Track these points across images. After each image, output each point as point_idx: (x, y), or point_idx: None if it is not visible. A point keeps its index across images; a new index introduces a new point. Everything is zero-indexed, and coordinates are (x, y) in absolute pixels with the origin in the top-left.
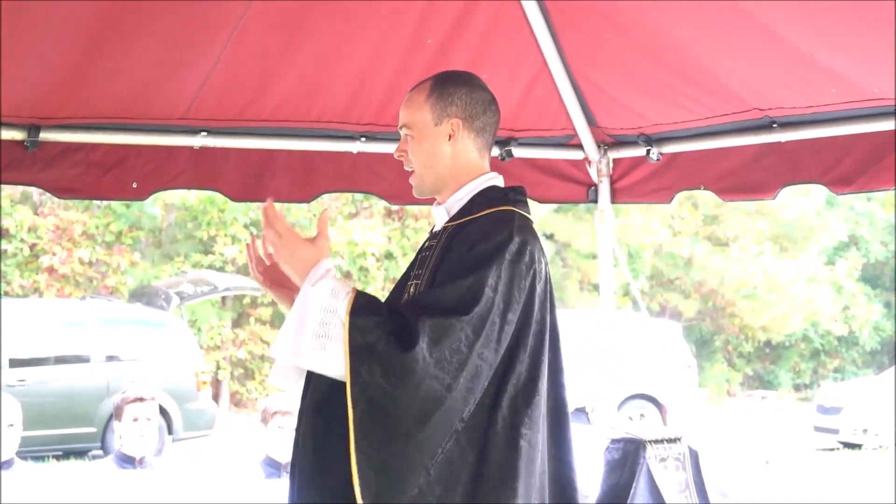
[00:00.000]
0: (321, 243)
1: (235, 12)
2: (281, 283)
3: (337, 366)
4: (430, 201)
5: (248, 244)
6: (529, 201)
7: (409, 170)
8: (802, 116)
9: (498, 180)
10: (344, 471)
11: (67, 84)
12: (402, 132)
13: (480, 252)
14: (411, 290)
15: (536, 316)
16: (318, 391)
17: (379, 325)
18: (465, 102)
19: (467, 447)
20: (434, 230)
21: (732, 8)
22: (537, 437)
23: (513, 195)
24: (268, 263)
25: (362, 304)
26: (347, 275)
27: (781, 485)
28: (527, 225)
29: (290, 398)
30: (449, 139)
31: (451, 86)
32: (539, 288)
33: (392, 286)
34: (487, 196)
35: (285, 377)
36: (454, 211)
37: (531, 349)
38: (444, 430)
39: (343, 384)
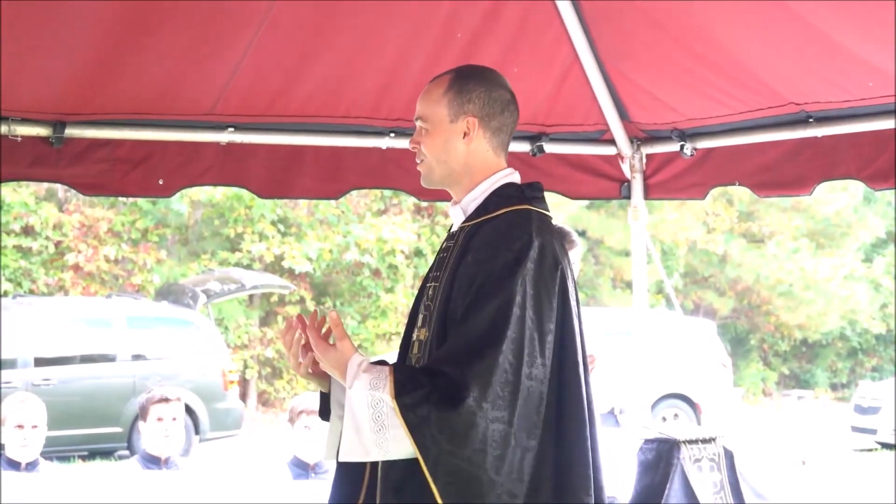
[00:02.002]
0: (342, 345)
1: (262, 6)
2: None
3: (405, 449)
4: (438, 196)
5: (288, 332)
6: (559, 196)
7: (419, 160)
8: (839, 111)
9: (514, 177)
10: None
11: (93, 79)
12: (418, 124)
13: (502, 265)
14: (430, 292)
15: (575, 317)
16: (392, 476)
17: (425, 396)
18: (483, 101)
19: (548, 469)
20: (451, 230)
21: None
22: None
23: (529, 192)
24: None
25: (403, 383)
26: (376, 272)
27: (818, 486)
28: (545, 223)
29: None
30: (464, 137)
31: (471, 83)
32: (569, 287)
33: (421, 284)
34: (503, 194)
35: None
36: (470, 210)
37: (580, 350)
38: (523, 466)
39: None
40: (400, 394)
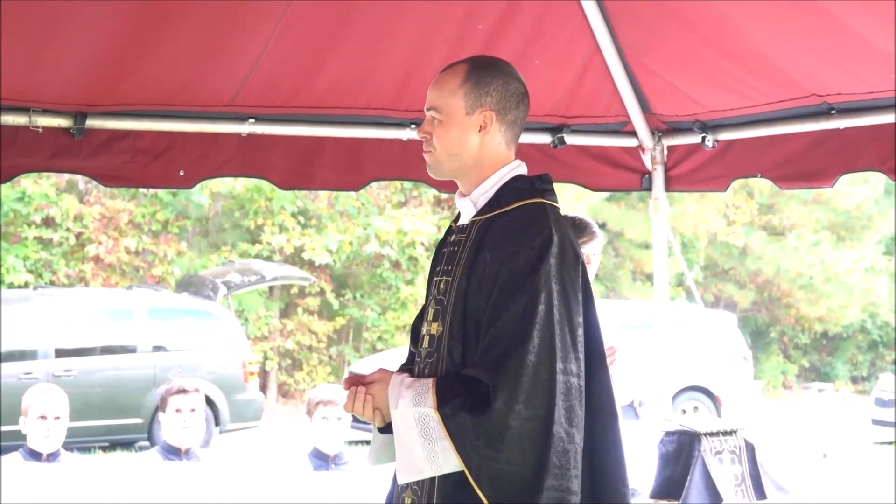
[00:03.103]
0: (376, 376)
1: None
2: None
3: (452, 460)
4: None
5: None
6: (580, 188)
7: (428, 150)
8: (861, 102)
9: (522, 168)
10: None
11: (114, 71)
12: (429, 114)
13: (524, 264)
14: (441, 286)
15: (594, 310)
16: (445, 487)
17: (461, 404)
18: (500, 94)
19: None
20: (460, 223)
21: None
22: None
23: (540, 185)
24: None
25: (444, 393)
26: (396, 264)
27: (839, 479)
28: (559, 217)
29: (333, 388)
30: (479, 130)
31: (488, 75)
32: (589, 279)
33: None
34: (514, 187)
35: (382, 456)
36: (481, 204)
37: (602, 343)
38: (568, 459)
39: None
40: (441, 404)
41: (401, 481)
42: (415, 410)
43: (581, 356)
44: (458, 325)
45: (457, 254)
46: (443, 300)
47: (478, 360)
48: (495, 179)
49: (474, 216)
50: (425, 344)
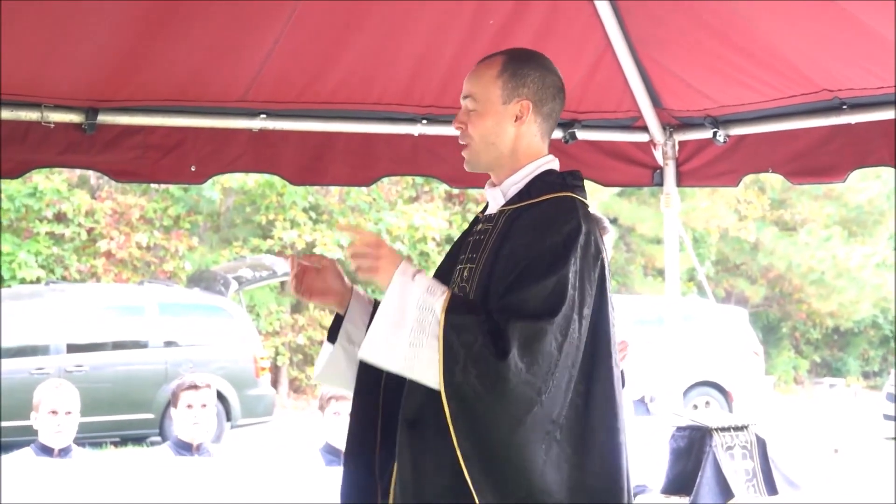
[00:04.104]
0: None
1: None
2: (322, 292)
3: (430, 365)
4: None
5: (292, 258)
6: (591, 184)
7: (464, 143)
8: (873, 97)
9: (555, 164)
10: (442, 483)
11: (125, 66)
12: (466, 103)
13: (552, 246)
14: (465, 273)
15: (610, 306)
16: (411, 407)
17: (476, 324)
18: (537, 85)
19: (568, 449)
20: (487, 213)
21: None
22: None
23: (570, 180)
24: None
25: (459, 303)
26: (408, 259)
27: (850, 474)
28: (587, 212)
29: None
30: (515, 120)
31: (526, 66)
32: (607, 276)
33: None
34: (545, 180)
35: (334, 375)
36: (511, 194)
37: (612, 341)
38: (538, 433)
39: (432, 394)
40: (452, 311)
41: (362, 355)
42: (423, 297)
43: (581, 346)
44: None
45: (482, 242)
46: (465, 287)
47: (496, 308)
48: (528, 171)
49: (503, 206)
50: None
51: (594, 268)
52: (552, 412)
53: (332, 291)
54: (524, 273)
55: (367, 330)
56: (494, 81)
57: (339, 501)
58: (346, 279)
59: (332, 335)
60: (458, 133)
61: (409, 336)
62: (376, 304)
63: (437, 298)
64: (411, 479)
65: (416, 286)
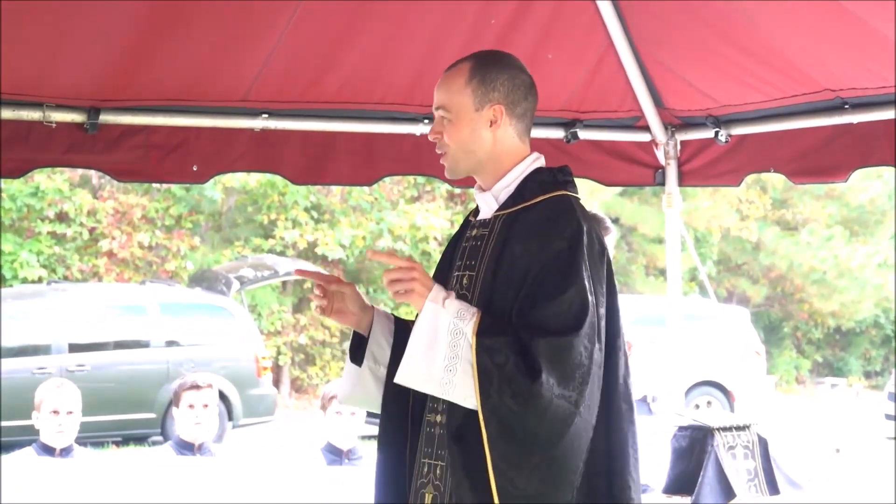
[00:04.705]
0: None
1: None
2: (340, 311)
3: (466, 387)
4: (471, 182)
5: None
6: (593, 183)
7: (441, 151)
8: (875, 97)
9: (540, 161)
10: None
11: (127, 66)
12: (438, 114)
13: (561, 254)
14: (464, 281)
15: (617, 299)
16: (455, 421)
17: (507, 344)
18: (507, 88)
19: (595, 451)
20: (481, 217)
21: None
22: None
23: (561, 177)
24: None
25: (488, 325)
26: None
27: (852, 474)
28: (583, 208)
29: None
30: (490, 125)
31: (493, 70)
32: (612, 270)
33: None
34: (537, 180)
35: (363, 396)
36: (503, 198)
37: (622, 334)
38: (580, 444)
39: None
40: (483, 333)
41: (398, 380)
42: (454, 321)
43: (603, 346)
44: None
45: (480, 248)
46: (466, 295)
47: (521, 325)
48: (516, 173)
49: (497, 210)
50: None
51: (601, 264)
52: (591, 419)
53: (350, 312)
54: (540, 288)
55: (391, 349)
56: (464, 90)
57: (340, 501)
58: (365, 300)
59: (355, 356)
60: (429, 132)
61: (444, 361)
62: (398, 323)
63: (468, 323)
64: (468, 487)
65: (447, 312)
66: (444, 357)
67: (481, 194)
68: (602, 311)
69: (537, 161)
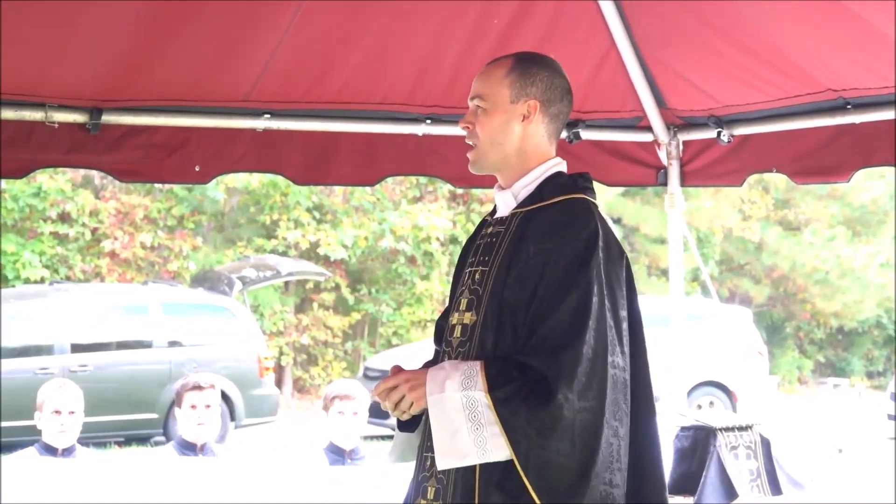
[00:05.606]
0: (407, 375)
1: None
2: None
3: (501, 447)
4: (491, 182)
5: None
6: (595, 183)
7: (471, 143)
8: (877, 97)
9: (563, 166)
10: None
11: (129, 66)
12: (474, 103)
13: (574, 257)
14: (476, 276)
15: (638, 301)
16: (493, 475)
17: (516, 390)
18: (545, 85)
19: (633, 456)
20: (498, 216)
21: None
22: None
23: (581, 182)
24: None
25: (495, 378)
26: (412, 259)
27: (854, 474)
28: (600, 213)
29: (349, 383)
30: (523, 119)
31: (534, 66)
32: (632, 275)
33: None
34: (557, 182)
35: (409, 455)
36: (522, 197)
37: (644, 337)
38: (608, 448)
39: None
40: (493, 388)
41: (441, 467)
42: (463, 394)
43: (626, 350)
44: (493, 315)
45: (495, 245)
46: (478, 290)
47: (531, 350)
48: (538, 173)
49: (515, 208)
50: (457, 333)
51: (620, 266)
52: (620, 427)
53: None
54: (548, 291)
55: None
56: (503, 80)
57: (343, 501)
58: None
59: (403, 423)
60: (463, 133)
61: (470, 436)
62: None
63: (477, 386)
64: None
65: (452, 391)
66: (469, 433)
67: (500, 192)
68: (623, 313)
69: (560, 165)
